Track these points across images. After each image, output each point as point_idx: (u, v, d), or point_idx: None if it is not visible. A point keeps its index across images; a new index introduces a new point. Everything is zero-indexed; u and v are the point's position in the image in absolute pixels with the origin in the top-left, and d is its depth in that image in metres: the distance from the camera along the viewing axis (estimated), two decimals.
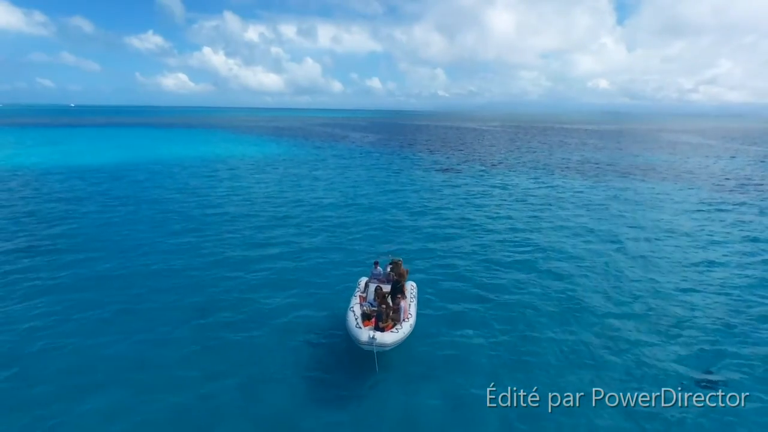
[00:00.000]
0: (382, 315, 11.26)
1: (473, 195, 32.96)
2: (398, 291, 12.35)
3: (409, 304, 12.11)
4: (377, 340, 10.51)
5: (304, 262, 17.98)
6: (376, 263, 13.96)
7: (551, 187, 36.28)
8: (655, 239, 21.62)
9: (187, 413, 9.40)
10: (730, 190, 35.61)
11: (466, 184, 37.50)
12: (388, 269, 13.60)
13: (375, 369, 10.42)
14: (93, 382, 10.23)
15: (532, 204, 29.91)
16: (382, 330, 10.93)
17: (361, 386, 10.40)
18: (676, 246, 20.57)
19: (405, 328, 11.18)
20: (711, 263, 18.40)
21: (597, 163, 52.99)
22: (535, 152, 66.72)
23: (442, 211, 27.38)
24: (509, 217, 25.98)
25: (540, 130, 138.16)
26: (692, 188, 36.56)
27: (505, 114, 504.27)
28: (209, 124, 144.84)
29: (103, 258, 18.10)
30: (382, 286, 12.57)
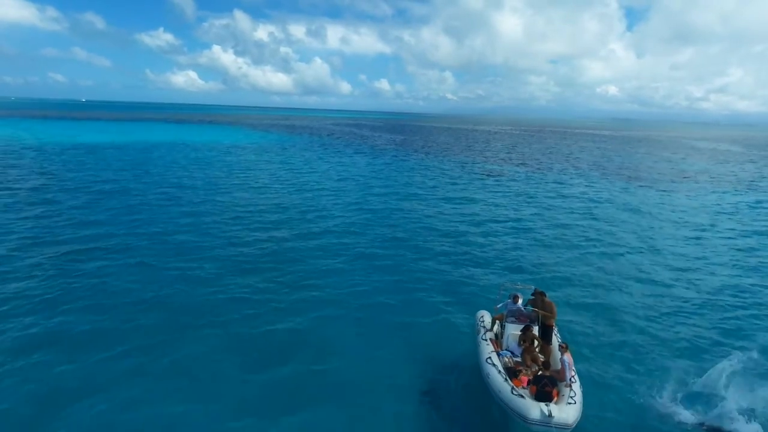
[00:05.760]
0: (546, 378, 8.38)
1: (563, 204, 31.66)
2: (549, 334, 9.97)
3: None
4: (555, 418, 7.44)
5: (390, 291, 14.81)
6: (515, 297, 10.71)
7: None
8: None
9: None
10: None
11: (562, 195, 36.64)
12: (523, 303, 10.80)
13: None
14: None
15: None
16: (549, 397, 8.04)
17: None
18: None
19: (580, 397, 8.12)
20: None
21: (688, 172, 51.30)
22: (580, 155, 70.11)
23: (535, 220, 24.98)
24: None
25: (564, 135, 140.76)
26: None
27: (517, 118, 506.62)
28: (234, 122, 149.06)
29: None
30: (532, 327, 9.85)
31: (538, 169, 49.36)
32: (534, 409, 7.52)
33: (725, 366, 10.64)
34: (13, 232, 19.33)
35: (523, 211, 27.45)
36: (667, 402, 9.51)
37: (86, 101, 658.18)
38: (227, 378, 9.96)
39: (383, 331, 12.30)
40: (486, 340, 9.94)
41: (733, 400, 9.43)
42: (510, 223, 24.62)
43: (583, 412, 7.96)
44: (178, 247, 18.22)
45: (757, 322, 13.66)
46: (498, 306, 11.25)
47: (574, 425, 7.64)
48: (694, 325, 13.29)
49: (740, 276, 17.51)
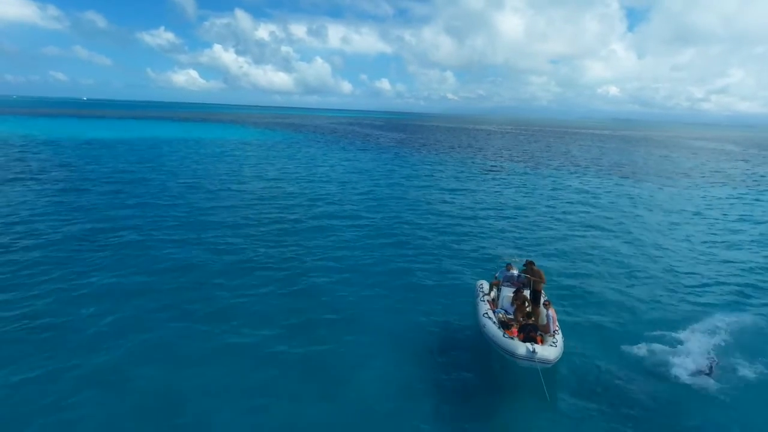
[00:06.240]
0: (532, 329, 10.00)
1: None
2: (538, 297, 11.48)
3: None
4: (538, 355, 8.91)
5: (396, 263, 16.62)
6: (509, 266, 12.84)
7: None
8: None
9: None
10: None
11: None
12: (517, 272, 12.48)
13: (545, 395, 8.69)
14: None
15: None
16: (534, 342, 9.47)
17: (526, 418, 8.83)
18: None
19: (560, 342, 9.65)
20: None
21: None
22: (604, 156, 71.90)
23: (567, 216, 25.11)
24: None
25: (564, 135, 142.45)
26: None
27: (518, 118, 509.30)
28: (236, 121, 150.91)
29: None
30: (517, 291, 11.34)
31: (536, 164, 51.19)
32: (521, 348, 9.07)
33: (692, 323, 12.41)
34: (49, 214, 21.13)
35: (520, 201, 29.32)
36: (639, 351, 11.05)
37: (87, 100, 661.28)
38: (258, 321, 11.88)
39: (391, 292, 14.14)
40: (484, 301, 11.59)
41: (696, 351, 10.97)
42: (507, 210, 26.45)
43: (562, 356, 9.54)
44: (205, 225, 20.12)
45: (724, 289, 15.47)
46: (496, 274, 13.10)
47: (555, 362, 9.19)
48: (666, 291, 15.09)
49: (713, 254, 19.32)
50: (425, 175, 39.25)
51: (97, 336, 10.95)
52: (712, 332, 12.16)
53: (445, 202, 28.07)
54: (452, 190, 32.22)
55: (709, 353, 11.03)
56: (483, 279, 13.50)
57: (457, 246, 19.01)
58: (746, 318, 13.23)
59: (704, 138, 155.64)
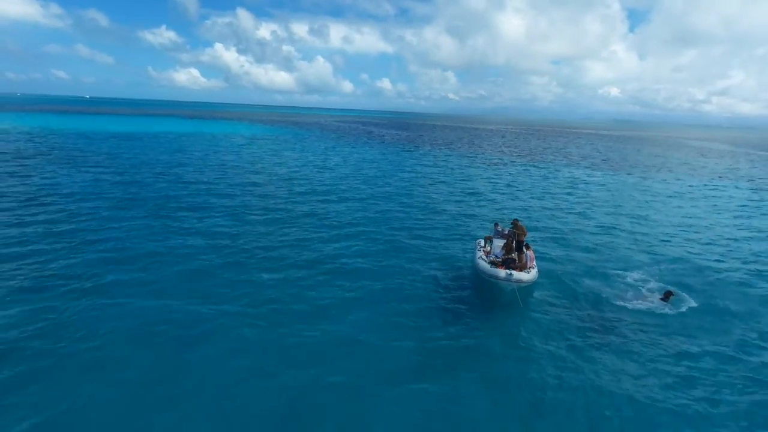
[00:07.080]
0: (512, 261, 13.16)
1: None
2: (522, 244, 14.49)
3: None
4: (514, 276, 12.08)
5: (420, 232, 19.60)
6: (496, 224, 16.66)
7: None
8: None
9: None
10: None
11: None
12: (507, 229, 15.52)
13: (520, 306, 11.86)
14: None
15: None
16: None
17: (505, 321, 11.88)
18: None
19: (534, 271, 13.00)
20: None
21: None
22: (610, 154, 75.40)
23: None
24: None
25: (563, 134, 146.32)
26: None
27: (519, 119, 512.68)
28: (242, 119, 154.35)
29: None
30: (506, 240, 14.60)
31: (532, 158, 54.93)
32: (501, 272, 12.43)
33: (647, 266, 16.16)
34: (113, 189, 24.86)
35: (515, 183, 33.08)
36: (603, 282, 14.54)
37: (90, 98, 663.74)
38: (308, 251, 16.02)
39: (409, 240, 18.10)
40: (480, 251, 14.81)
41: (653, 285, 14.36)
42: (503, 189, 30.25)
43: (536, 283, 13.27)
44: (247, 195, 24.29)
45: (674, 243, 19.30)
46: (492, 233, 16.83)
47: (528, 284, 12.55)
48: (628, 243, 18.91)
49: (673, 221, 23.20)
50: (431, 165, 43.09)
51: (185, 257, 15.06)
52: (666, 272, 15.81)
53: (449, 183, 31.96)
54: (455, 176, 36.06)
55: (663, 287, 14.29)
56: (480, 238, 17.26)
57: (459, 213, 22.96)
58: (690, 264, 16.99)
59: (702, 138, 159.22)
